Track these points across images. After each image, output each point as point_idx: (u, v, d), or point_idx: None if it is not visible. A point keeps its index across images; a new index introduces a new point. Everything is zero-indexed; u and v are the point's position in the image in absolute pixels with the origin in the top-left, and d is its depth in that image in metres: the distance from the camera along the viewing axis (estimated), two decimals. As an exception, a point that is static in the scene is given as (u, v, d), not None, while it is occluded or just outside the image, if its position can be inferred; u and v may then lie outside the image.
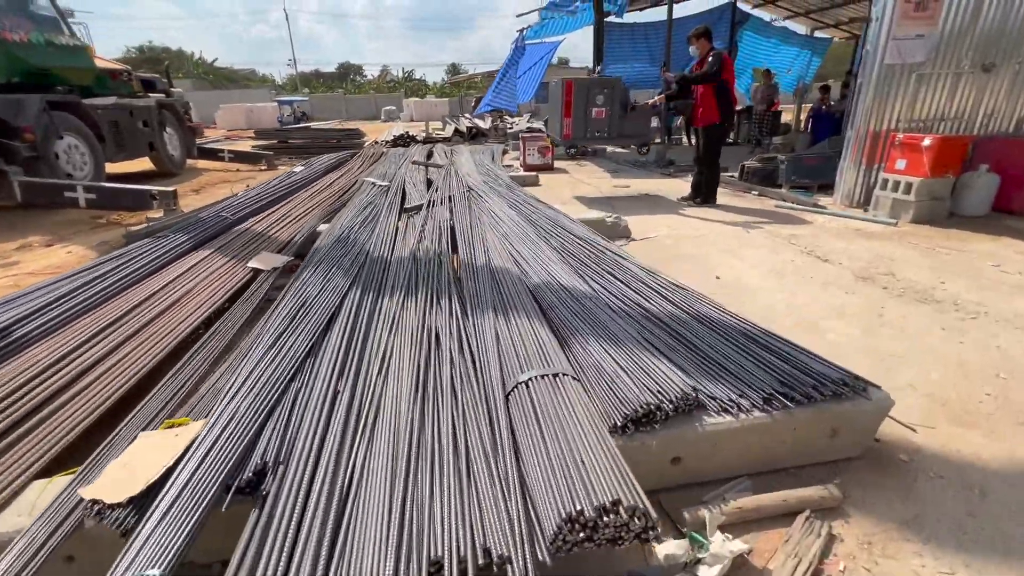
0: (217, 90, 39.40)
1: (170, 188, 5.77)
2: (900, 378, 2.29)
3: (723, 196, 6.13)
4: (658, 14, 12.30)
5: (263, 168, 10.63)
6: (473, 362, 1.91)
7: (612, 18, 11.60)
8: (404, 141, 13.68)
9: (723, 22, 12.61)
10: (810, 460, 1.75)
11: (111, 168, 9.21)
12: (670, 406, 1.58)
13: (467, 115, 19.44)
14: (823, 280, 3.46)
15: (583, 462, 1.30)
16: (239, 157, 10.87)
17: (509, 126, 16.40)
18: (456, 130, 15.33)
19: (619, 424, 1.55)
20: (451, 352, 1.96)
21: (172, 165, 9.54)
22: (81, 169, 6.93)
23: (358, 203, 5.06)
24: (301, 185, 6.54)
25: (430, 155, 10.24)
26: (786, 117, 13.61)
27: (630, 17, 13.03)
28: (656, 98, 6.43)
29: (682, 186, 6.78)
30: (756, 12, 13.51)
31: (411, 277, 2.83)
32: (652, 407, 1.57)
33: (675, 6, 13.15)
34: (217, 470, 1.33)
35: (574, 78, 6.13)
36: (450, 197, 4.76)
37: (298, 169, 7.83)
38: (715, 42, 13.27)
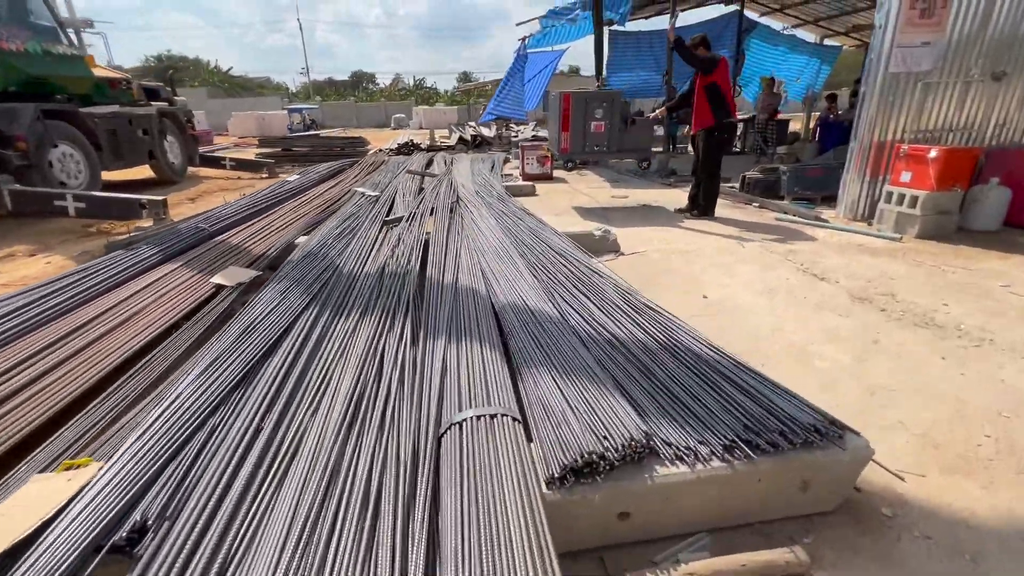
0: (232, 98, 39.90)
1: (159, 197, 5.74)
2: (890, 414, 2.09)
3: (722, 208, 5.94)
4: (664, 22, 12.15)
5: (264, 176, 10.62)
6: (412, 395, 1.75)
7: (616, 26, 11.47)
8: (407, 149, 13.67)
9: (730, 30, 12.42)
10: (779, 514, 1.57)
11: (111, 176, 9.25)
12: (615, 455, 1.41)
13: (472, 123, 19.41)
14: (817, 301, 3.26)
15: (497, 530, 1.13)
16: (240, 165, 10.89)
17: (514, 134, 16.35)
18: (461, 138, 15.30)
19: (556, 476, 1.38)
20: (391, 383, 1.81)
21: (172, 173, 9.55)
22: (76, 177, 6.92)
23: (342, 214, 4.95)
24: (291, 195, 6.47)
25: (429, 164, 10.17)
26: (796, 126, 13.38)
27: (635, 25, 12.92)
28: (657, 111, 6.25)
29: (683, 197, 6.57)
30: (764, 20, 13.31)
31: (372, 295, 2.69)
32: (595, 456, 1.40)
33: (681, 15, 13.03)
34: (92, 527, 1.19)
35: (572, 91, 5.96)
36: (432, 209, 4.63)
37: (292, 178, 7.78)
38: (721, 51, 13.09)
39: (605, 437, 1.46)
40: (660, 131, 10.19)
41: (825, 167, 6.28)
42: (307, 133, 20.75)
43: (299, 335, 2.24)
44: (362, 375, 1.88)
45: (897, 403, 2.17)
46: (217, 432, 1.58)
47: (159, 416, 1.62)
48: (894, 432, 1.97)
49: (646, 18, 12.89)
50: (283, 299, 2.64)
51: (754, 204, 6.23)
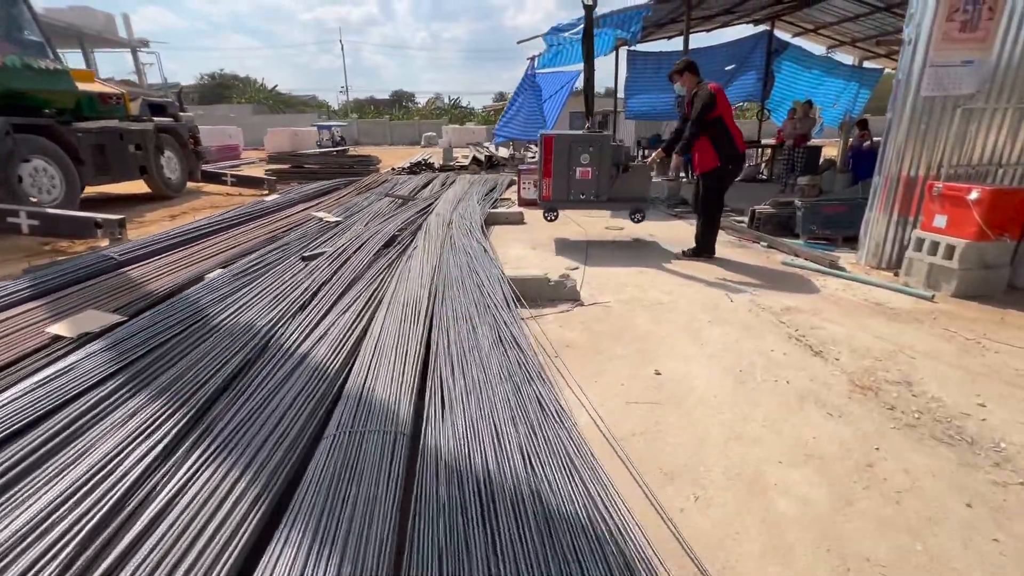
0: (274, 114, 41.30)
1: (116, 216, 5.47)
2: (869, 618, 1.33)
3: (725, 247, 5.18)
4: (691, 42, 11.46)
5: (265, 192, 10.42)
6: (77, 555, 1.13)
7: (630, 47, 10.89)
8: (418, 168, 13.40)
9: (758, 51, 11.64)
10: None
11: (105, 190, 9.21)
12: None
13: (486, 144, 19.10)
14: (802, 387, 2.48)
15: None
16: (241, 181, 10.75)
17: (532, 155, 15.86)
18: (475, 159, 14.93)
19: None
20: (68, 534, 1.19)
21: (168, 188, 9.43)
22: (49, 192, 6.74)
23: (279, 243, 4.46)
24: (257, 216, 6.08)
25: (427, 184, 9.72)
26: (832, 153, 12.34)
27: (656, 46, 12.33)
28: (654, 155, 5.59)
29: (685, 231, 5.85)
30: (796, 41, 12.43)
31: (199, 363, 2.11)
32: None
33: (708, 34, 12.33)
34: None
35: (555, 133, 5.29)
36: (364, 243, 4.06)
37: (269, 199, 7.45)
38: (749, 72, 12.19)
39: None
40: (675, 160, 9.46)
41: (848, 203, 5.44)
42: (328, 150, 20.90)
43: (47, 431, 1.67)
44: (50, 510, 1.28)
45: (883, 593, 1.41)
46: None
47: None
48: (866, 665, 1.22)
49: (668, 38, 12.24)
50: (85, 365, 2.09)
51: (762, 244, 5.42)
